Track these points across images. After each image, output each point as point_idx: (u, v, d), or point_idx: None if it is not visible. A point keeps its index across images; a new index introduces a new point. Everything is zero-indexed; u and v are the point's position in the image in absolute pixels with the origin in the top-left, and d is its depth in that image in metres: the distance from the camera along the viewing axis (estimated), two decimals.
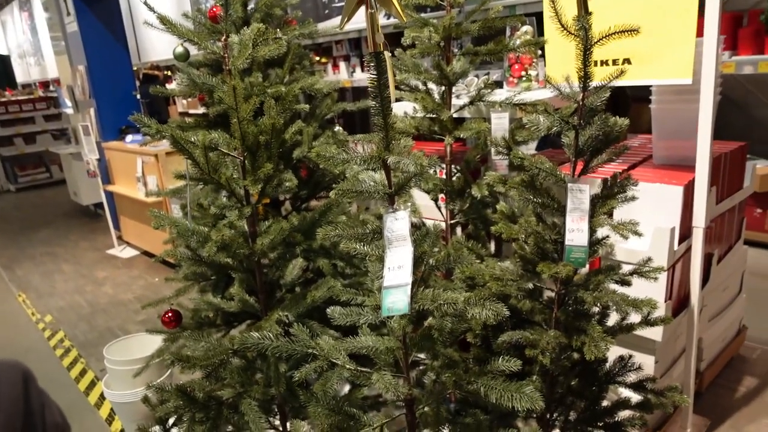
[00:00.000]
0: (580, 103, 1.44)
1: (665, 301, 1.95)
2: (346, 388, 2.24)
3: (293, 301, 1.65)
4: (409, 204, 1.29)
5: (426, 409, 1.30)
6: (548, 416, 1.65)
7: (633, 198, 1.48)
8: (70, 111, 6.65)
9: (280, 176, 2.16)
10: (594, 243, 1.52)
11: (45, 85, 12.74)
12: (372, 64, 1.13)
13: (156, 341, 2.06)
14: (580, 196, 1.44)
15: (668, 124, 2.16)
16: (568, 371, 1.61)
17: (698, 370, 2.47)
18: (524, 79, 2.50)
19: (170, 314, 2.10)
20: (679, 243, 1.99)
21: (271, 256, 1.82)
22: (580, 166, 1.50)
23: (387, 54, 1.16)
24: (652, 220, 1.97)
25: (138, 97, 5.87)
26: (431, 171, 2.28)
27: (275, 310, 1.65)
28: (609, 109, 1.49)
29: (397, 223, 1.17)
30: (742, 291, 2.74)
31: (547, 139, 2.80)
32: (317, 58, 6.78)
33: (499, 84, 2.67)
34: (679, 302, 2.14)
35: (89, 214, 7.28)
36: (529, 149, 2.26)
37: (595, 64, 2.01)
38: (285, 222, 1.51)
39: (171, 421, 1.81)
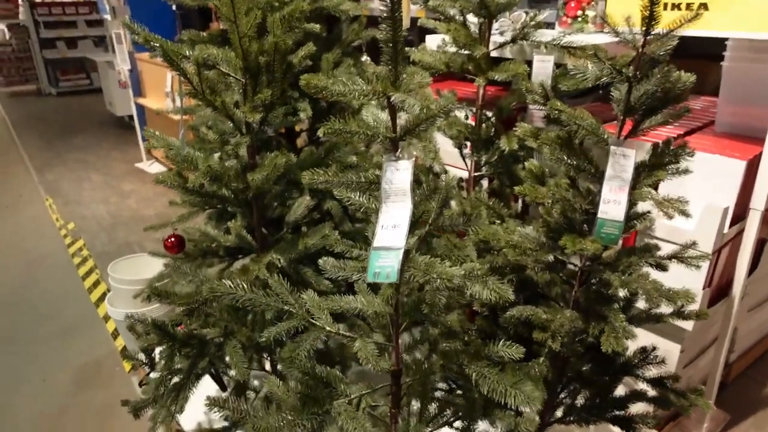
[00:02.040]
0: (640, 50, 1.19)
1: (703, 289, 1.74)
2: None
3: (287, 245, 1.52)
4: (415, 153, 1.11)
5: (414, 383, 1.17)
6: (553, 400, 1.51)
7: (686, 171, 1.26)
8: (108, 17, 6.50)
9: (294, 104, 1.98)
10: (631, 218, 1.31)
11: None
12: None
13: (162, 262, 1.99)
14: (623, 162, 1.22)
15: (741, 87, 1.87)
16: (580, 355, 1.45)
17: (727, 361, 2.28)
18: (579, 19, 2.20)
19: (173, 239, 2.00)
20: (731, 225, 1.75)
21: (274, 192, 1.67)
22: (628, 127, 1.28)
23: None
24: (703, 195, 1.73)
25: (173, 8, 5.65)
26: (461, 115, 2.06)
27: (269, 252, 1.52)
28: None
29: (398, 175, 0.99)
30: None
31: (594, 93, 2.51)
32: None
33: (550, 26, 2.37)
34: (719, 290, 1.92)
35: (123, 125, 7.27)
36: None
37: (664, 8, 1.71)
38: (281, 156, 1.35)
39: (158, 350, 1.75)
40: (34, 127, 7.37)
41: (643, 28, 1.17)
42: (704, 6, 1.68)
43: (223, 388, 2.12)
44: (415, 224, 1.07)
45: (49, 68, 9.59)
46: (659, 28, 1.20)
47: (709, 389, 1.95)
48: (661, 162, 1.26)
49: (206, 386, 1.93)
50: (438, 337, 1.37)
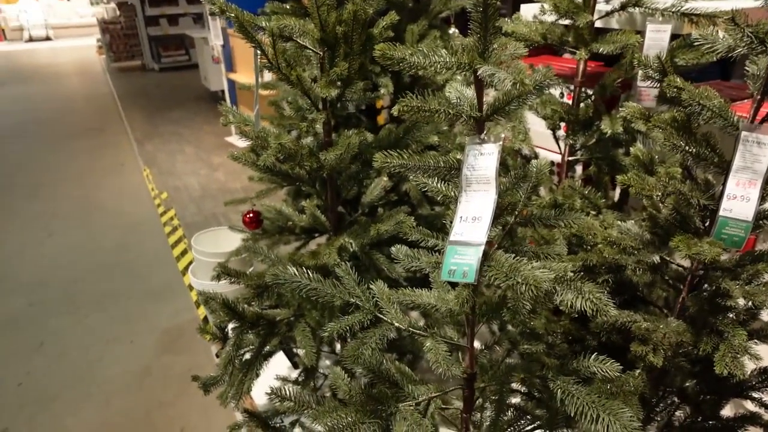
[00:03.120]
0: None
1: None
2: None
3: (360, 229, 1.44)
4: (504, 134, 0.98)
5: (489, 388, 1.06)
6: (648, 415, 1.35)
7: None
8: None
9: (375, 80, 1.89)
10: (761, 217, 1.11)
11: None
12: None
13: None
14: (756, 152, 1.02)
15: None
16: (684, 368, 1.27)
17: None
18: None
19: (251, 215, 2.01)
20: None
21: (349, 172, 1.60)
22: (764, 110, 1.07)
23: None
24: None
25: None
26: (555, 93, 1.88)
27: (341, 235, 1.46)
28: None
29: (482, 160, 0.87)
30: None
31: (709, 69, 2.21)
32: None
33: None
34: None
35: (216, 99, 7.54)
36: None
37: None
38: (356, 135, 1.27)
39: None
40: (137, 100, 7.83)
41: None
42: None
43: (295, 365, 2.12)
44: (499, 216, 0.95)
45: (152, 44, 10.14)
46: None
47: None
48: None
49: (280, 361, 1.93)
50: (518, 337, 1.25)
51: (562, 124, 1.77)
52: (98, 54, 11.66)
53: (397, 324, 1.00)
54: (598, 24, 1.74)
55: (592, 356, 0.92)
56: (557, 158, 1.86)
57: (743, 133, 1.02)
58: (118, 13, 10.27)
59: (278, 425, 1.54)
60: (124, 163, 5.32)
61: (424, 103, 0.81)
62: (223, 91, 7.17)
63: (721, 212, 1.05)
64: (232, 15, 1.20)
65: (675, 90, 1.07)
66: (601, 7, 1.70)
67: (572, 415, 0.83)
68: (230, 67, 5.78)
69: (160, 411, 2.30)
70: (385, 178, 1.72)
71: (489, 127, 0.92)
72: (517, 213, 0.98)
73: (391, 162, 0.89)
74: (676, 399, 1.36)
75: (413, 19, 1.95)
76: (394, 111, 0.81)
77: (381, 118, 2.29)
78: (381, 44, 0.80)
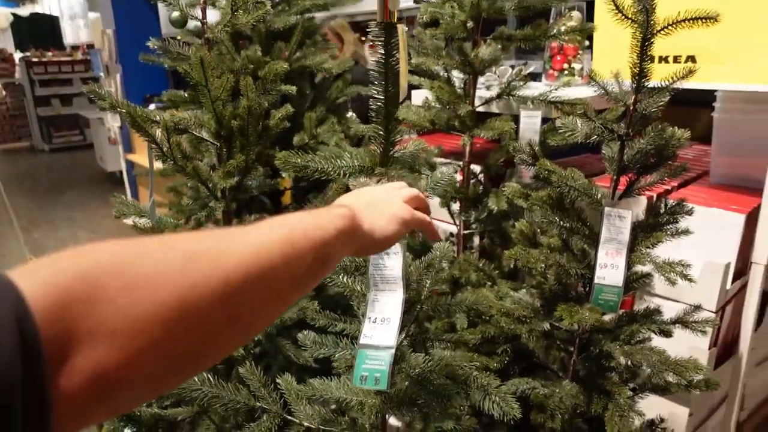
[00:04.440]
0: (631, 106, 1.14)
1: (709, 349, 1.64)
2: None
3: None
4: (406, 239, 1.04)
5: None
6: None
7: (686, 231, 1.18)
8: (102, 75, 6.55)
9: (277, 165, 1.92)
10: (631, 280, 1.23)
11: (92, 47, 12.74)
12: (380, 39, 0.85)
13: None
14: (618, 224, 1.15)
15: (734, 138, 1.82)
16: (581, 429, 1.34)
17: (738, 419, 2.15)
18: (566, 72, 2.18)
19: None
20: (733, 281, 1.67)
21: None
22: (622, 186, 1.21)
23: (401, 27, 0.89)
24: (702, 250, 1.65)
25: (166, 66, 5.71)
26: (447, 170, 2.00)
27: None
28: None
29: (388, 260, 0.90)
30: None
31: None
32: (359, 36, 6.42)
33: (538, 78, 2.36)
34: (725, 346, 1.82)
35: (114, 180, 7.23)
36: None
37: (651, 60, 1.68)
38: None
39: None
40: (23, 184, 7.32)
41: (634, 85, 1.12)
42: (692, 58, 1.65)
43: None
44: (410, 309, 0.98)
45: (42, 125, 9.63)
46: (650, 82, 1.16)
47: None
48: (658, 222, 1.19)
49: None
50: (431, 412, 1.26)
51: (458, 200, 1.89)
52: None
53: (307, 424, 0.98)
54: (482, 108, 1.91)
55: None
56: (455, 229, 1.96)
57: (606, 209, 1.15)
58: (3, 93, 9.74)
59: None
60: (6, 254, 4.89)
61: (323, 199, 0.85)
62: (121, 172, 6.91)
63: (596, 280, 1.15)
64: (124, 111, 1.20)
65: (546, 172, 1.19)
66: (482, 93, 1.88)
67: None
68: (129, 148, 5.62)
69: None
70: None
71: None
72: (422, 301, 1.01)
73: None
74: None
75: (311, 106, 2.03)
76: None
77: (286, 198, 2.31)
78: (282, 152, 0.84)
